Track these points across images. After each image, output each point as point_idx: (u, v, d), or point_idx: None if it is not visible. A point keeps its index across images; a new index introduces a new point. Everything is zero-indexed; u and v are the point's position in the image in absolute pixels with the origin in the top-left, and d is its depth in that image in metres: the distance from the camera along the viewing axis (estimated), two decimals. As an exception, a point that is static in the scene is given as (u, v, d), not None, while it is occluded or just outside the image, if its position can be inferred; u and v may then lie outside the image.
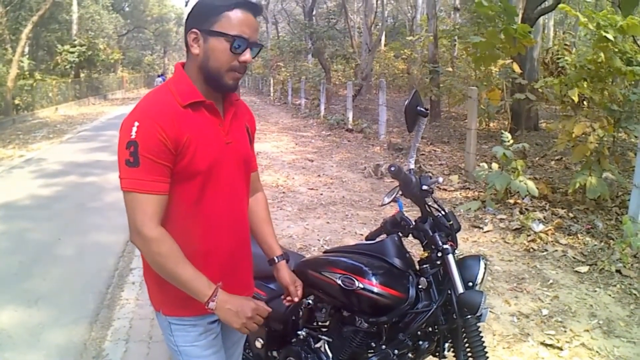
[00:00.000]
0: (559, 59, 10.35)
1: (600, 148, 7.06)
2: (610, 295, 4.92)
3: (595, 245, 5.94)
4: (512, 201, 7.54)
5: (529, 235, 6.27)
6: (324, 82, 22.62)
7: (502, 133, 7.77)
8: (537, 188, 7.20)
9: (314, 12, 34.55)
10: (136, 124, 1.84)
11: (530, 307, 4.69)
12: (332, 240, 6.44)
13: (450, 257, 2.31)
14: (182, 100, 1.93)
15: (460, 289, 2.26)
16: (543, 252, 5.90)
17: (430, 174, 2.50)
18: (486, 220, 7.01)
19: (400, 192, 2.53)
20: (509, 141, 7.40)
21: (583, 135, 7.05)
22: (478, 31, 13.39)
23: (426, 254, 2.43)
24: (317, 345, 2.69)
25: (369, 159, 11.95)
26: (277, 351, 2.92)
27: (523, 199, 7.48)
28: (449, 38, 20.83)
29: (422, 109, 2.41)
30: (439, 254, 2.34)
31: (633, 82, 7.87)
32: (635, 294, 4.91)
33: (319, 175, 10.40)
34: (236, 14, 1.91)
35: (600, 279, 5.23)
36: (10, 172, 11.38)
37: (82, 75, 37.01)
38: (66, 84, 32.35)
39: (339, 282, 2.39)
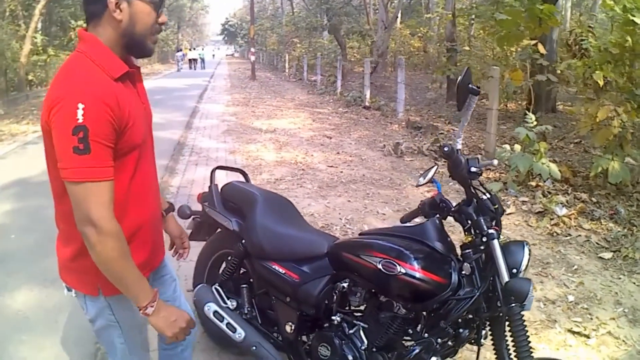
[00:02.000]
0: (582, 40, 10.17)
1: (624, 133, 6.95)
2: (634, 283, 4.87)
3: (618, 231, 5.87)
4: (533, 183, 7.46)
5: (552, 219, 6.21)
6: (340, 58, 22.49)
7: (525, 114, 7.66)
8: (559, 171, 7.11)
9: (330, -12, 34.29)
10: (80, 106, 1.67)
11: (556, 292, 4.65)
12: (354, 219, 6.40)
13: (495, 242, 2.25)
14: (114, 73, 1.83)
15: (506, 277, 2.21)
16: (567, 236, 5.85)
17: (477, 157, 2.42)
18: (508, 203, 6.94)
19: (435, 173, 2.52)
20: (532, 122, 7.30)
21: (606, 119, 6.93)
22: (497, 10, 13.27)
23: (469, 239, 2.37)
24: (352, 331, 2.64)
25: (388, 137, 11.89)
26: (308, 336, 2.89)
27: (545, 181, 7.40)
28: (466, 17, 20.58)
29: (474, 87, 2.35)
30: (484, 239, 2.28)
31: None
32: (659, 283, 4.86)
33: (338, 153, 10.35)
34: None
35: (624, 266, 5.18)
36: (24, 147, 11.31)
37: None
38: (80, 59, 32.22)
39: (380, 266, 2.34)
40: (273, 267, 2.82)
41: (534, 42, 8.97)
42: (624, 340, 3.98)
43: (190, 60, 49.08)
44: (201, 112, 16.52)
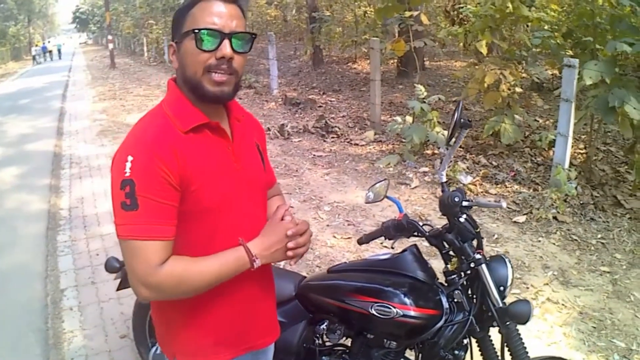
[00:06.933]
0: (460, 7, 10.48)
1: (511, 94, 7.15)
2: (554, 243, 5.06)
3: (524, 192, 6.06)
4: (429, 152, 7.58)
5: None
6: (202, 38, 21.90)
7: (397, 74, 7.75)
8: (452, 136, 7.21)
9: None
10: (130, 158, 1.52)
11: (486, 267, 4.71)
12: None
13: (484, 267, 2.19)
14: (183, 126, 1.62)
15: (499, 300, 2.17)
16: (477, 204, 5.91)
17: (461, 189, 2.34)
18: (410, 175, 7.00)
19: (387, 188, 2.45)
20: (422, 94, 7.39)
21: (493, 83, 7.11)
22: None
23: (454, 265, 2.30)
24: None
25: (268, 117, 11.66)
26: None
27: (439, 149, 7.54)
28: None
29: (467, 120, 2.24)
30: (471, 264, 2.21)
31: (533, 28, 8.12)
32: (576, 240, 5.09)
33: (224, 142, 9.91)
34: (200, 7, 1.62)
35: (539, 227, 5.36)
36: None
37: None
38: None
39: (373, 311, 2.19)
40: None
41: (416, 12, 9.12)
42: (563, 304, 4.11)
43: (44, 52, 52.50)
44: (69, 113, 15.24)
